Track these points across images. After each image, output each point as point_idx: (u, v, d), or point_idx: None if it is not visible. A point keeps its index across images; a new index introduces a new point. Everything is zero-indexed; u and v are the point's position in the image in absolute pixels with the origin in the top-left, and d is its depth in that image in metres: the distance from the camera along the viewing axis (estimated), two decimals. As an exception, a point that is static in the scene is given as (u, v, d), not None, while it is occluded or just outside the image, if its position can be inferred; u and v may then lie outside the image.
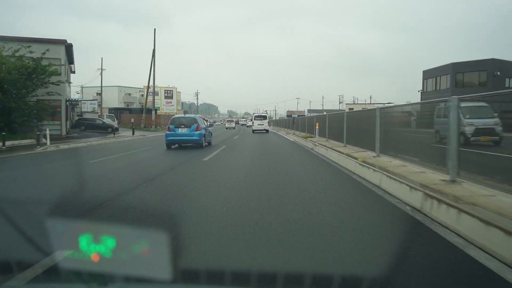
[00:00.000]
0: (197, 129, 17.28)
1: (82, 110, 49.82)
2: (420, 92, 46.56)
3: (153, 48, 43.26)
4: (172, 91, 70.49)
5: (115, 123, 39.13)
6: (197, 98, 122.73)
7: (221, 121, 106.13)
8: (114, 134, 30.83)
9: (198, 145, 17.48)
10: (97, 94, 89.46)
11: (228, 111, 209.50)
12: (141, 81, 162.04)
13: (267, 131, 37.99)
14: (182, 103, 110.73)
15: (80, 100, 52.74)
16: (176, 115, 21.96)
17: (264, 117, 40.28)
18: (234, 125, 58.10)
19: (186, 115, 20.14)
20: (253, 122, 39.98)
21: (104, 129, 34.40)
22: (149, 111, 53.29)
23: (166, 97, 69.08)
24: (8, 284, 2.81)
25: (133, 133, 32.15)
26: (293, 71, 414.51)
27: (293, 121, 38.40)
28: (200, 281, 2.97)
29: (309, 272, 3.21)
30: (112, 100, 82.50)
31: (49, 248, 3.13)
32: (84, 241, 2.22)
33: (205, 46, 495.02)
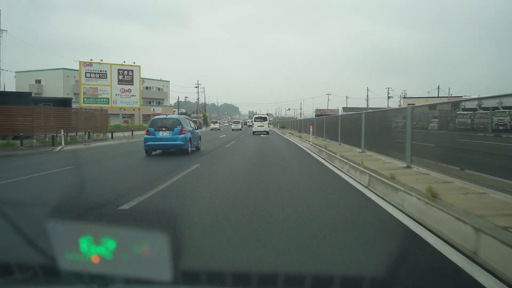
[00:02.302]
0: (181, 132, 15.24)
1: None
2: None
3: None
4: (132, 71, 43.00)
5: None
6: (198, 92, 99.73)
7: (229, 122, 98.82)
8: None
9: (182, 150, 15.34)
10: (36, 82, 58.72)
11: (249, 111, 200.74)
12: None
13: (267, 132, 38.69)
14: (185, 100, 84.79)
15: None
16: (157, 116, 18.45)
17: (264, 119, 40.87)
18: (240, 126, 57.84)
19: (169, 116, 17.80)
20: (253, 124, 41.31)
21: None
22: (66, 103, 29.80)
23: (120, 82, 42.23)
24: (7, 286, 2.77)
25: None
26: (322, 68, 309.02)
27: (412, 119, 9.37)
28: (200, 278, 3.03)
29: (309, 273, 3.26)
30: (56, 89, 55.08)
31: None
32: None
33: (228, 45, 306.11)
